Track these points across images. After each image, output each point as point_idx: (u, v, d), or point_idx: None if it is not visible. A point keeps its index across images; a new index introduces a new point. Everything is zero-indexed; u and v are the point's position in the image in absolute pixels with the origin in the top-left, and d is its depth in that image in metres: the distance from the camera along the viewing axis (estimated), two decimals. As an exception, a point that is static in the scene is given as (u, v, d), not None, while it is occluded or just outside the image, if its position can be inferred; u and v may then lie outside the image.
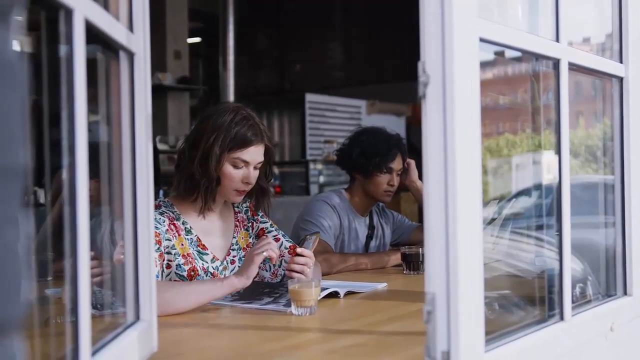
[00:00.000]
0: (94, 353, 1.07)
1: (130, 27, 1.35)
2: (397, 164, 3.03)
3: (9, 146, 0.56)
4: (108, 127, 1.37)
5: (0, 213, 0.55)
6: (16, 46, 0.62)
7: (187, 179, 2.22)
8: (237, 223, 2.40)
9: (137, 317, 1.37)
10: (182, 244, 2.20)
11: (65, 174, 1.00)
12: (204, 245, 2.26)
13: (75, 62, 1.00)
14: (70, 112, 1.00)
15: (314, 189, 7.20)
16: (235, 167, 2.21)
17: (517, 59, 1.76)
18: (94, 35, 1.10)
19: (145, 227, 1.39)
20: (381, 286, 2.38)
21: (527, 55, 1.65)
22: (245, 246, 2.38)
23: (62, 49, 1.01)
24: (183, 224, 2.24)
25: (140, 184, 1.37)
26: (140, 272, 1.38)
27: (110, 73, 1.34)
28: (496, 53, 1.48)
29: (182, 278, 2.18)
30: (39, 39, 1.04)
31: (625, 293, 1.83)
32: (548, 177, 1.95)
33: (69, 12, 0.99)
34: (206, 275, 2.22)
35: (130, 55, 1.35)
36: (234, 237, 2.37)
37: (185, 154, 2.24)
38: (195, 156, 2.19)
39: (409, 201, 6.42)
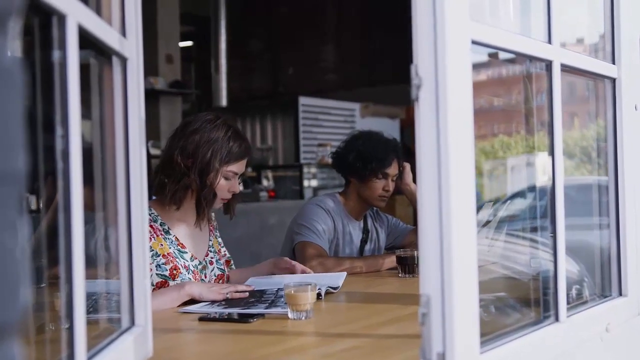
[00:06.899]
0: (89, 358, 1.07)
1: (123, 33, 1.35)
2: (393, 170, 3.02)
3: (8, 151, 0.57)
4: (101, 133, 1.37)
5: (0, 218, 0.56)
6: (14, 52, 0.62)
7: (182, 189, 2.29)
8: (211, 228, 2.52)
9: (132, 323, 1.37)
10: (162, 244, 2.27)
11: (59, 180, 0.99)
12: (182, 244, 2.34)
13: (69, 67, 1.00)
14: (64, 117, 1.00)
15: (308, 192, 7.18)
16: (226, 179, 2.33)
17: (511, 61, 1.76)
18: (86, 40, 1.10)
19: (140, 233, 1.39)
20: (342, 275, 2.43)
21: (521, 57, 1.66)
22: (217, 250, 2.50)
23: (55, 54, 1.01)
24: (161, 225, 2.32)
25: (134, 189, 1.37)
26: (135, 278, 1.37)
27: (103, 78, 1.34)
28: (490, 55, 1.48)
29: (164, 278, 2.24)
30: (32, 44, 1.04)
31: (620, 294, 1.83)
32: (543, 179, 1.95)
33: (62, 18, 0.99)
34: (188, 273, 2.29)
35: (123, 61, 1.35)
36: (210, 240, 2.48)
37: (179, 164, 2.27)
38: (190, 168, 2.27)
39: (403, 204, 6.42)
